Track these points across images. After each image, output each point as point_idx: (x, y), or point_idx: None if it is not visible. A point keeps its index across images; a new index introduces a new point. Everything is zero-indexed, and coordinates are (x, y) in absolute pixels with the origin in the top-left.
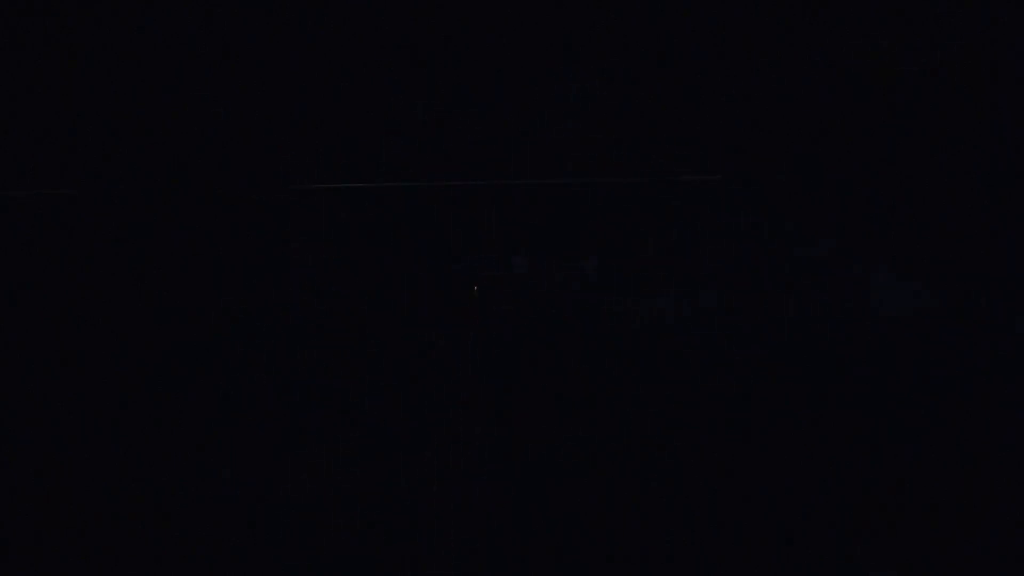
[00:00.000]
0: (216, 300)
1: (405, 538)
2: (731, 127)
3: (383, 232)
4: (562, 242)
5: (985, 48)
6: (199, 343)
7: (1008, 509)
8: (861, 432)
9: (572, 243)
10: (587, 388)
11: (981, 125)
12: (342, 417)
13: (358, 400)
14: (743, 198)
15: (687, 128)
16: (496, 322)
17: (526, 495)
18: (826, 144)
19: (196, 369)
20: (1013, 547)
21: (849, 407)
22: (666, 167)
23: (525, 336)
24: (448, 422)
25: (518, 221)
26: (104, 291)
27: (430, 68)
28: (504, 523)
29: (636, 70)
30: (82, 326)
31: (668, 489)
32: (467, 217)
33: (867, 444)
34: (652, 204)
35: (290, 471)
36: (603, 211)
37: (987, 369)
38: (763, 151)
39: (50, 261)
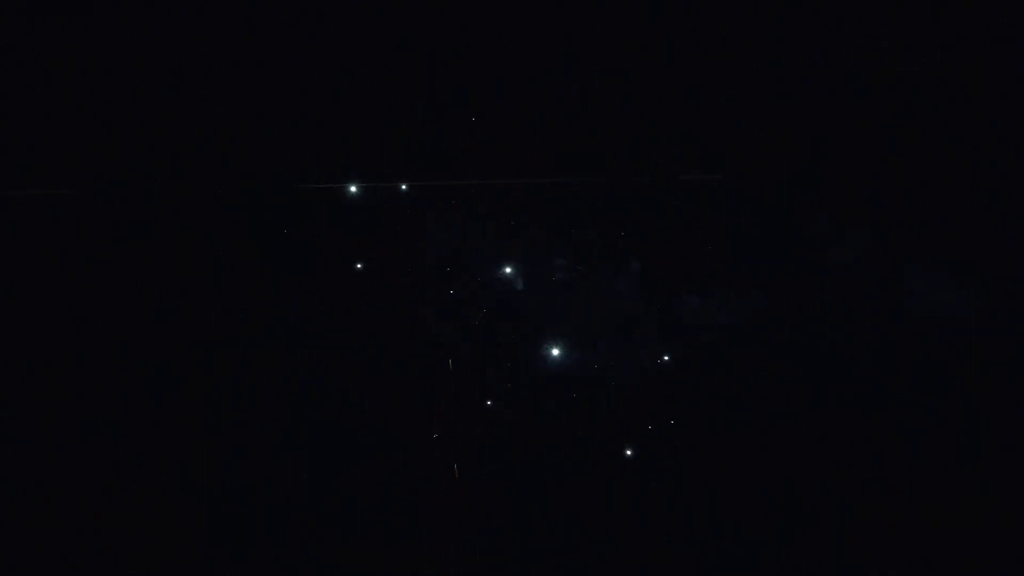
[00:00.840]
0: (216, 299)
1: (405, 538)
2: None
3: (388, 231)
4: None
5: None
6: (199, 342)
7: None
8: (863, 430)
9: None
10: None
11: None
12: (342, 417)
13: (358, 400)
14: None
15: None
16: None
17: (527, 495)
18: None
19: (196, 369)
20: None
21: (852, 406)
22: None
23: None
24: (450, 423)
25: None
26: (104, 291)
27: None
28: (504, 523)
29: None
30: (82, 326)
31: (669, 489)
32: (493, 217)
33: (872, 442)
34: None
35: (290, 471)
36: (638, 212)
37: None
38: (788, 151)
39: (50, 261)
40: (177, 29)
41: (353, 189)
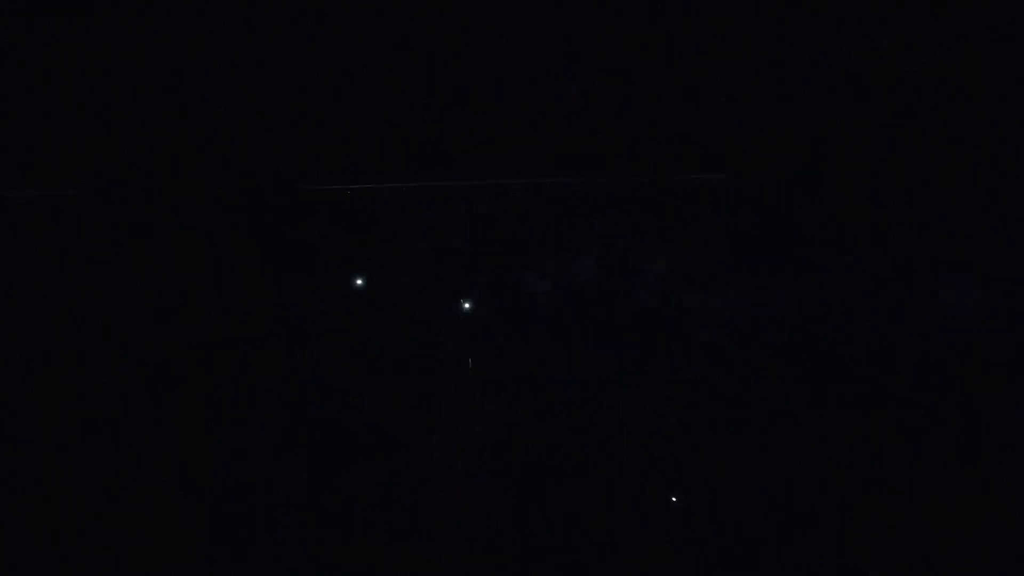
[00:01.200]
0: (216, 299)
1: (405, 538)
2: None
3: (388, 232)
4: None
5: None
6: (199, 342)
7: None
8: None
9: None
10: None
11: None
12: (342, 417)
13: (358, 400)
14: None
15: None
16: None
17: (528, 495)
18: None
19: (196, 369)
20: None
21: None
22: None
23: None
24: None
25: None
26: (104, 291)
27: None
28: (504, 523)
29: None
30: (82, 326)
31: (669, 489)
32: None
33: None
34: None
35: (290, 471)
36: (668, 209)
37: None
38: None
39: (50, 261)
40: (177, 29)
41: (353, 189)
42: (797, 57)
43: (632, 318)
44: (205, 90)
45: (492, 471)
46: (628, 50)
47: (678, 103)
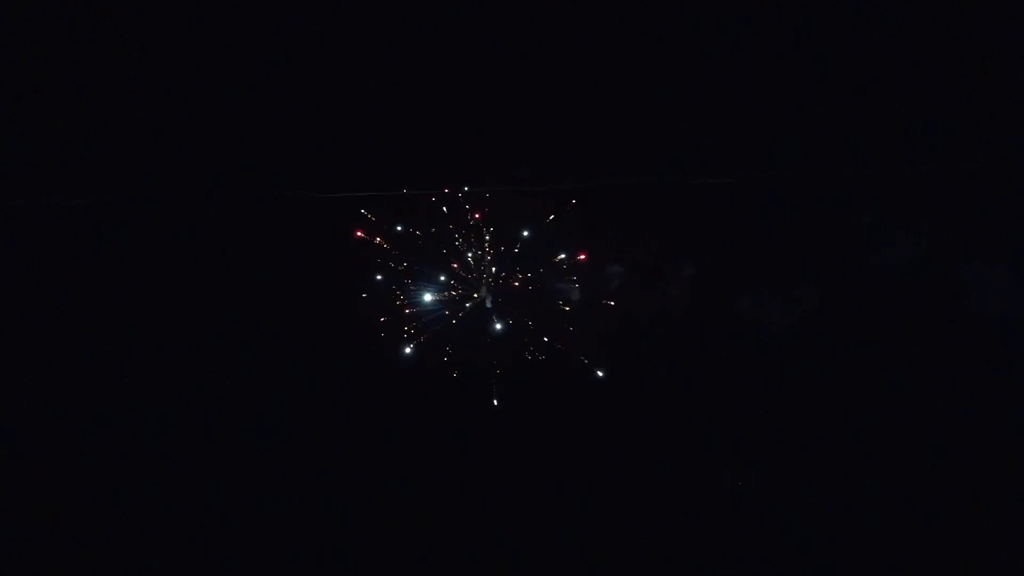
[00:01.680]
0: (216, 299)
1: (405, 538)
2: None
3: (390, 234)
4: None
5: None
6: (199, 342)
7: None
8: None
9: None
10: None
11: None
12: (342, 417)
13: (359, 400)
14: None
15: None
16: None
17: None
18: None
19: (196, 369)
20: None
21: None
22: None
23: None
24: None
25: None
26: (104, 291)
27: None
28: (504, 522)
29: None
30: (83, 326)
31: (670, 489)
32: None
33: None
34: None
35: (290, 471)
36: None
37: None
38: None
39: (51, 263)
40: (178, 31)
41: (355, 194)
42: (810, 58)
43: (635, 317)
44: (206, 92)
45: (492, 471)
46: (631, 51)
47: (681, 104)
